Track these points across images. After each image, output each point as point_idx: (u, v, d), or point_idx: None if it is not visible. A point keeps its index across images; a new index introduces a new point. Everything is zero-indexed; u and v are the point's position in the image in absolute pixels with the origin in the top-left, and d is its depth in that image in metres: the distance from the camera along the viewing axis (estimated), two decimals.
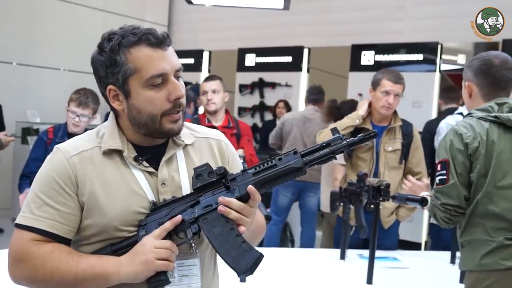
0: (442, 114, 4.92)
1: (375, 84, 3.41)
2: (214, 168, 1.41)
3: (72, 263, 1.34)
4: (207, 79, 3.82)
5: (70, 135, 3.43)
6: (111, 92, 1.43)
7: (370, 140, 1.40)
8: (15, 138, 5.83)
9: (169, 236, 1.38)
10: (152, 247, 1.33)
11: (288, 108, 7.21)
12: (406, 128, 3.50)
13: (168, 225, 1.37)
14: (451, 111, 4.61)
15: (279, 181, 1.38)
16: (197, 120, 3.72)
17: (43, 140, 3.47)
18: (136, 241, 1.38)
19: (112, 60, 1.39)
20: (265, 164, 1.39)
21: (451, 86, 5.23)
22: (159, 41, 1.39)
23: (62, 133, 3.48)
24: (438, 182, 2.21)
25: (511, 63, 2.24)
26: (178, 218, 1.38)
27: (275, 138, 5.51)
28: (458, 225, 2.25)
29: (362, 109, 3.46)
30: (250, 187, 1.35)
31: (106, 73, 1.41)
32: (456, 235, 2.30)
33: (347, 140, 1.36)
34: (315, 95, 5.43)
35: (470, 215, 2.16)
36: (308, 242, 5.13)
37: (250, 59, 8.20)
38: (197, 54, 8.68)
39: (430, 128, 4.66)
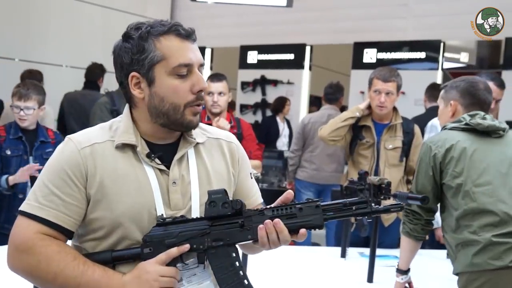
0: (429, 112, 4.85)
1: (369, 83, 3.44)
2: (231, 200, 1.39)
3: (77, 271, 1.33)
4: (213, 79, 3.62)
5: (23, 131, 3.39)
6: (133, 79, 1.44)
7: (394, 210, 1.41)
8: None
9: (173, 260, 1.37)
10: (157, 275, 1.33)
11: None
12: (407, 125, 3.50)
13: (174, 252, 1.37)
14: (435, 110, 4.55)
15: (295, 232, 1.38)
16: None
17: None
18: (138, 254, 1.38)
19: (140, 46, 1.41)
20: (284, 210, 1.37)
21: (435, 84, 5.17)
22: (188, 34, 1.43)
23: (15, 129, 3.39)
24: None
25: (490, 88, 2.44)
26: (186, 247, 1.37)
27: (299, 144, 5.11)
28: (445, 231, 2.33)
29: (363, 104, 3.50)
30: (302, 232, 1.36)
31: (131, 60, 1.42)
32: None
33: (372, 208, 1.37)
34: (330, 94, 5.22)
35: (458, 219, 2.23)
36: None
37: (252, 57, 8.19)
38: None
39: (419, 124, 4.61)
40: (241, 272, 1.37)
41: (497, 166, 2.21)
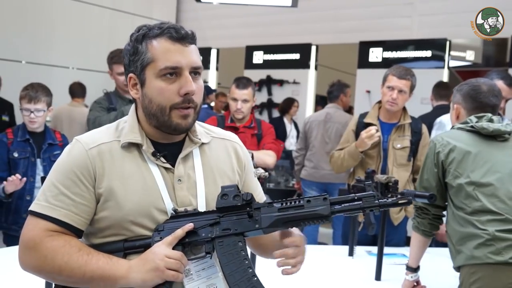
0: (435, 110, 4.85)
1: (383, 79, 3.44)
2: (242, 193, 1.43)
3: (81, 261, 1.36)
4: (239, 85, 3.61)
5: (31, 133, 3.41)
6: (131, 80, 1.48)
7: (402, 204, 1.42)
8: None
9: (183, 247, 1.39)
10: (163, 255, 1.34)
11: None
12: (416, 125, 3.50)
13: (180, 232, 1.38)
14: (442, 108, 4.57)
15: (303, 223, 1.41)
16: (223, 118, 3.70)
17: (4, 142, 3.38)
18: (149, 244, 1.40)
19: (135, 48, 1.45)
20: (292, 202, 1.41)
21: (442, 83, 5.15)
22: (180, 36, 1.43)
23: (22, 132, 3.41)
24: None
25: (497, 90, 2.41)
26: (190, 225, 1.39)
27: (301, 143, 5.20)
28: (448, 226, 2.33)
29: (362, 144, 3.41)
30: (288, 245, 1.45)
31: (129, 61, 1.48)
32: None
33: (380, 201, 1.39)
34: (330, 93, 5.27)
35: (462, 216, 2.24)
36: (308, 237, 5.09)
37: (258, 57, 8.21)
38: (205, 52, 8.69)
39: (426, 122, 4.61)
40: (246, 261, 1.39)
41: (500, 168, 2.22)
